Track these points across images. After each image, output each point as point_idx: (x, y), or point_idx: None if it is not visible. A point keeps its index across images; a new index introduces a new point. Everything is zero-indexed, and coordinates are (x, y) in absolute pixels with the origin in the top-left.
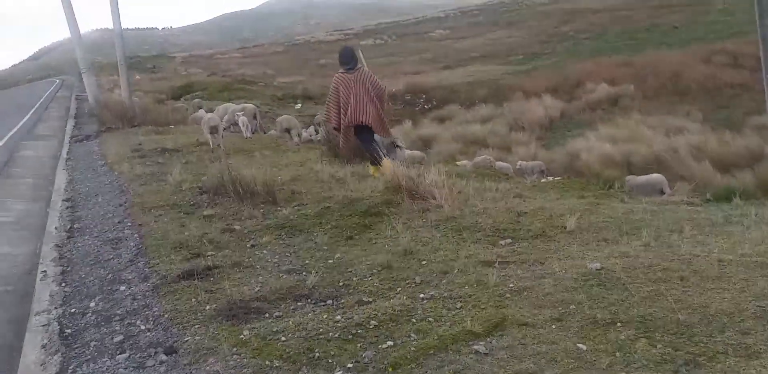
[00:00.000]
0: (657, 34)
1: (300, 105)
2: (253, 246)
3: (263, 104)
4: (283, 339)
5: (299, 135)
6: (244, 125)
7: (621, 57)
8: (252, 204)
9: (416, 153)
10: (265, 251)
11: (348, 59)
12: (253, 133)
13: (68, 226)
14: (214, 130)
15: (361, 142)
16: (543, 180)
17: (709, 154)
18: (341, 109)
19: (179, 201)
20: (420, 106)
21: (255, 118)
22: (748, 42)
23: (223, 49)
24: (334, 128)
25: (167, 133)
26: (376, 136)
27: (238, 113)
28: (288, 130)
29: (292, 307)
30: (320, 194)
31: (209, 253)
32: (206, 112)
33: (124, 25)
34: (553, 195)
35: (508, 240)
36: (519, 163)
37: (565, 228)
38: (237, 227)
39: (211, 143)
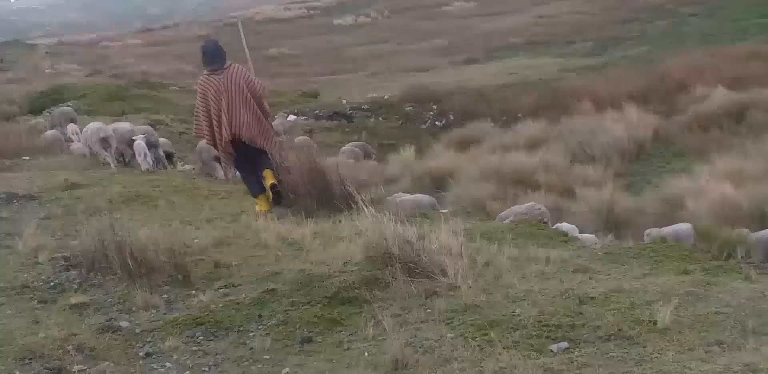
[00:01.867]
0: None
1: None
2: (148, 355)
3: (177, 121)
4: None
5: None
6: (141, 154)
7: (750, 44)
8: (150, 286)
9: (422, 198)
10: (168, 364)
11: (213, 57)
12: (155, 167)
13: None
14: (105, 143)
15: (236, 163)
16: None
17: None
18: (213, 121)
19: (32, 282)
20: (428, 122)
21: (155, 146)
22: None
23: (113, 32)
24: (209, 143)
25: (18, 170)
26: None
27: (137, 137)
28: (218, 160)
29: None
30: (261, 268)
31: (77, 368)
32: (72, 132)
33: None
34: (638, 269)
35: (564, 345)
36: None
37: (655, 323)
38: (124, 324)
39: (111, 163)
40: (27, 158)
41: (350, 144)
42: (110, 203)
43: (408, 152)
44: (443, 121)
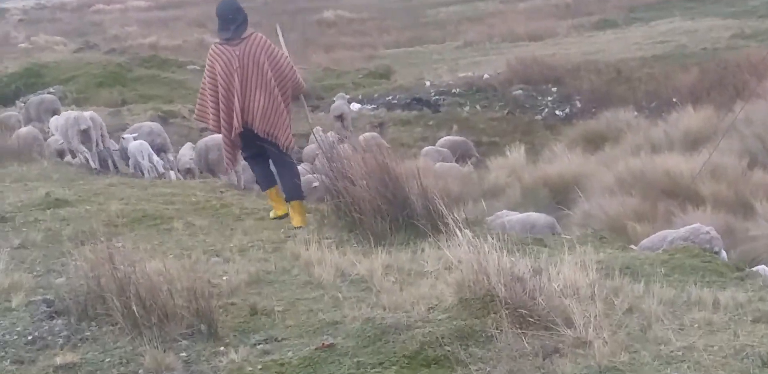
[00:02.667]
0: None
1: None
2: None
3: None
4: None
5: None
6: (144, 157)
7: None
8: (163, 341)
9: (537, 217)
10: None
11: (227, 21)
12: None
13: None
14: (86, 137)
15: (246, 158)
16: None
17: None
18: (221, 103)
19: (3, 335)
20: (545, 111)
21: (163, 149)
22: None
23: None
24: (212, 131)
25: None
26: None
27: (125, 136)
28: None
29: None
30: (314, 316)
31: None
32: (55, 129)
33: None
34: None
35: None
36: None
37: None
38: None
39: (93, 164)
40: None
41: (442, 140)
42: (108, 226)
43: (517, 153)
44: (566, 110)
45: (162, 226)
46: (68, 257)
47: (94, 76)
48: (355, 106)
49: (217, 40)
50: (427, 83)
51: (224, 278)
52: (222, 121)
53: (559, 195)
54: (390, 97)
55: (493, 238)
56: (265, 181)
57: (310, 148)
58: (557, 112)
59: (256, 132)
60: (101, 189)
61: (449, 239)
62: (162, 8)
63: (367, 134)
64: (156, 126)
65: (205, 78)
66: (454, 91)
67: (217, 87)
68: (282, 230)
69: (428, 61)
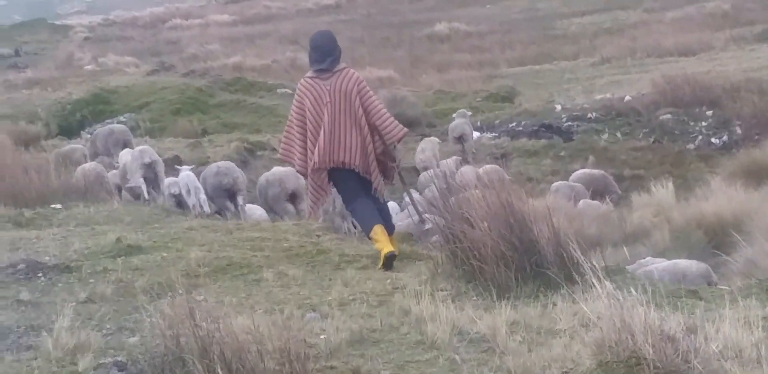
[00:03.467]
0: None
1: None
2: None
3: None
4: None
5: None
6: (192, 192)
7: None
8: None
9: (689, 265)
10: None
11: (322, 53)
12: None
13: None
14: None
15: (343, 198)
16: None
17: None
18: (308, 142)
19: None
20: (699, 139)
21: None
22: None
23: (186, 4)
24: (299, 171)
25: (45, 225)
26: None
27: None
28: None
29: None
30: None
31: None
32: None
33: None
34: None
35: None
36: None
37: None
38: None
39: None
40: (58, 206)
41: (577, 174)
42: (188, 277)
43: (665, 189)
44: (723, 137)
45: (250, 277)
46: (142, 313)
47: (171, 102)
48: (474, 135)
49: (309, 73)
50: (558, 107)
51: (322, 337)
52: (309, 160)
53: (715, 239)
54: (514, 124)
55: (637, 290)
56: (369, 219)
57: (426, 175)
58: (713, 140)
59: (353, 169)
60: (179, 233)
61: (586, 291)
62: (248, 23)
63: (487, 166)
64: (226, 165)
65: (292, 113)
66: (589, 116)
67: (306, 123)
68: (389, 280)
69: (559, 81)
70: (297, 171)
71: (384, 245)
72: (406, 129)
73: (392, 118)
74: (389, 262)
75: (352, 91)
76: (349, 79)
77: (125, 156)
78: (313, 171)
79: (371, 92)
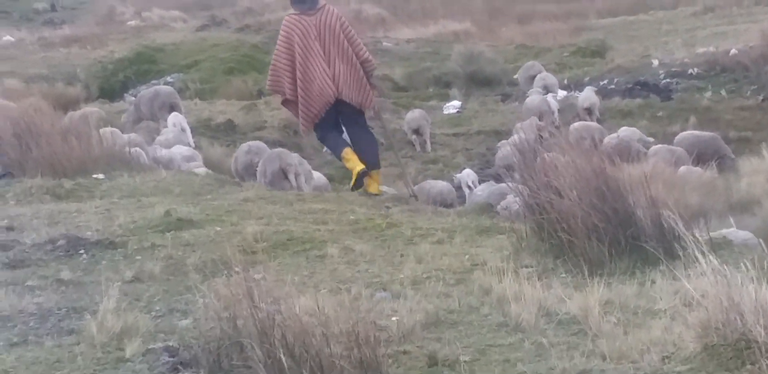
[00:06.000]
0: None
1: (454, 100)
2: None
3: None
4: None
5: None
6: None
7: None
8: None
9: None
10: None
11: None
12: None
13: None
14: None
15: (318, 129)
16: None
17: None
18: (298, 72)
19: None
20: None
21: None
22: None
23: None
24: (283, 101)
25: (87, 197)
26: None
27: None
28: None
29: None
30: (512, 368)
31: None
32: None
33: None
34: None
35: None
36: None
37: None
38: None
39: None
40: (101, 176)
41: (684, 135)
42: (244, 253)
43: None
44: None
45: (313, 252)
46: (195, 293)
47: (223, 60)
48: (561, 93)
49: (292, 12)
50: (655, 62)
51: (394, 319)
52: (300, 89)
53: None
54: (605, 82)
55: (747, 265)
56: (340, 145)
57: (504, 152)
58: None
59: (341, 98)
60: (234, 205)
61: (688, 267)
62: None
63: (577, 124)
64: (257, 145)
65: (279, 48)
66: (690, 71)
67: (294, 57)
68: (467, 256)
69: (655, 34)
70: (285, 99)
71: (355, 164)
72: (374, 65)
73: (367, 51)
74: (360, 179)
75: (336, 25)
76: (332, 14)
77: (174, 119)
78: (306, 100)
79: (350, 26)
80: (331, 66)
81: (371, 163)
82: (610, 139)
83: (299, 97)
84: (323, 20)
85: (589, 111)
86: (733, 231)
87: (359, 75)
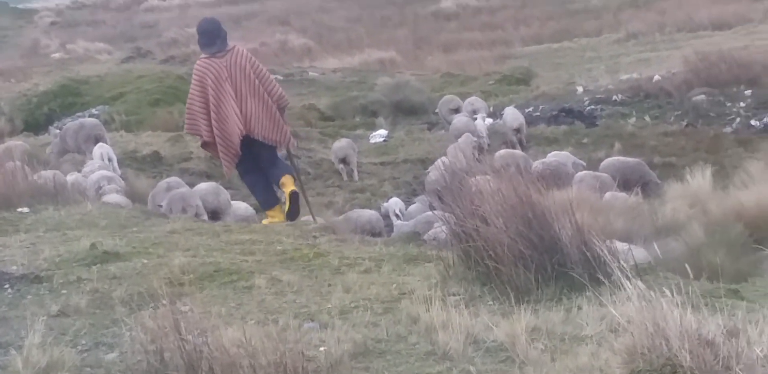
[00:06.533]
0: None
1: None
2: None
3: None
4: None
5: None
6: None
7: None
8: None
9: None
10: None
11: (211, 38)
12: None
13: None
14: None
15: (244, 174)
16: None
17: None
18: (213, 114)
19: None
20: (737, 122)
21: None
22: None
23: None
24: (202, 144)
25: (10, 231)
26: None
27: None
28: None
29: None
30: None
31: None
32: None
33: None
34: None
35: None
36: None
37: None
38: None
39: None
40: (26, 210)
41: (609, 161)
42: (171, 285)
43: (700, 177)
44: (764, 119)
45: (240, 284)
46: (121, 326)
47: (148, 92)
48: (487, 121)
49: (203, 55)
50: (580, 89)
51: (322, 349)
52: (215, 130)
53: (757, 232)
54: (530, 109)
55: (672, 291)
56: (269, 199)
57: (433, 177)
58: (753, 123)
59: (254, 137)
60: (161, 237)
61: (614, 293)
62: (232, 2)
63: (503, 151)
64: (176, 181)
65: (192, 92)
66: (614, 98)
67: (208, 99)
68: (394, 285)
69: (580, 61)
70: (203, 142)
71: (274, 218)
72: (287, 101)
73: (280, 87)
74: (294, 204)
75: (246, 65)
76: (241, 55)
77: (99, 151)
78: (223, 140)
79: (259, 63)
80: (243, 105)
81: (288, 171)
82: (541, 164)
83: (216, 137)
84: (233, 61)
85: (518, 131)
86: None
87: (272, 112)
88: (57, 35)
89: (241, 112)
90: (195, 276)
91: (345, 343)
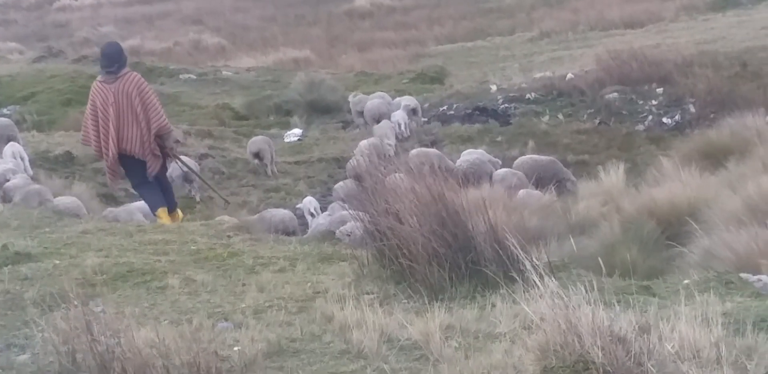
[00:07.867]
0: None
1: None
2: None
3: (199, 136)
4: None
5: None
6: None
7: None
8: None
9: None
10: None
11: (108, 61)
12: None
13: None
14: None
15: (131, 181)
16: None
17: None
18: (101, 132)
19: None
20: (649, 120)
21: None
22: None
23: None
24: (96, 153)
25: None
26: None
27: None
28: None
29: None
30: None
31: None
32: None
33: None
34: None
35: None
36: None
37: None
38: None
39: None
40: None
41: (523, 159)
42: (83, 286)
43: (613, 175)
44: (676, 116)
45: (153, 284)
46: (33, 327)
47: (60, 92)
48: (401, 117)
49: (99, 77)
50: (493, 88)
51: (236, 349)
52: (102, 147)
53: (669, 229)
54: (445, 107)
55: (585, 288)
56: (156, 200)
57: (352, 163)
58: (665, 120)
59: (133, 155)
60: (73, 238)
61: (527, 290)
62: (145, 2)
63: (415, 150)
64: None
65: (87, 109)
66: (528, 96)
67: (98, 118)
68: (309, 284)
69: (493, 59)
70: (95, 152)
71: (165, 221)
72: (170, 128)
73: (163, 114)
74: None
75: (133, 92)
76: (130, 82)
77: (10, 150)
78: (107, 157)
79: (150, 92)
80: (121, 129)
81: (173, 205)
82: (466, 163)
83: (102, 153)
84: (121, 88)
85: (414, 111)
86: None
87: (144, 139)
88: None
89: (117, 135)
90: (108, 276)
91: (259, 343)
